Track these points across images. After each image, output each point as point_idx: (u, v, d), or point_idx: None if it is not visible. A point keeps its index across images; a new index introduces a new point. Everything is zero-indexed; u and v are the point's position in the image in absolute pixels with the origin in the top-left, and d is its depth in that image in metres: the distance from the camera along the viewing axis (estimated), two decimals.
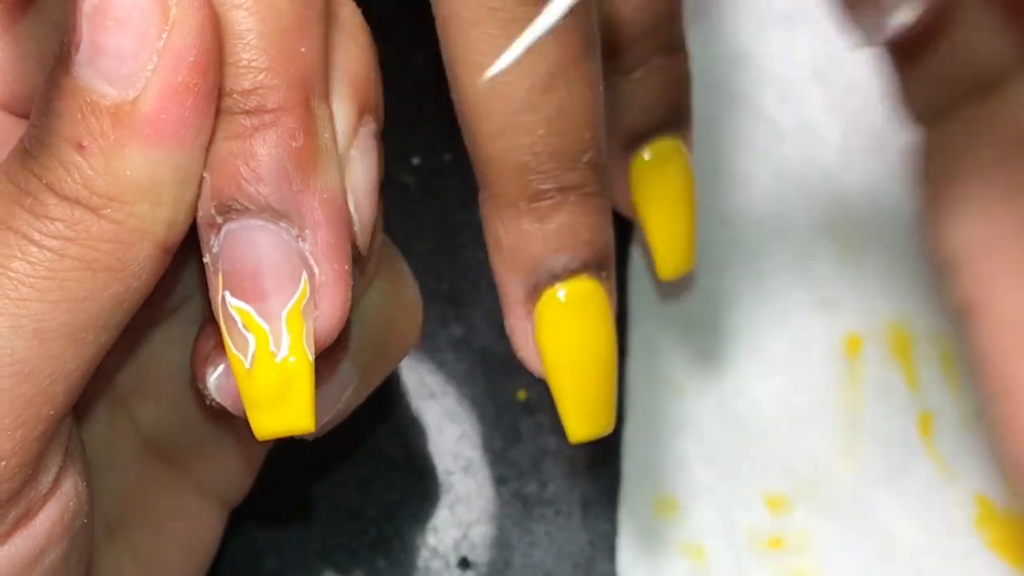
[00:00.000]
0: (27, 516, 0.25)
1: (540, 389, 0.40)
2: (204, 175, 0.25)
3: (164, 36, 0.23)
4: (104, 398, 0.33)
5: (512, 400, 0.40)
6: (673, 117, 0.36)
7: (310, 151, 0.25)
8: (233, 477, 0.34)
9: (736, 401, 0.40)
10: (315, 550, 0.39)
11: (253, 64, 0.24)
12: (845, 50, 0.43)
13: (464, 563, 0.39)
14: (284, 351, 0.25)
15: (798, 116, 0.43)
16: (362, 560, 0.39)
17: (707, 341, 0.41)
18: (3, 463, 0.24)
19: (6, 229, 0.24)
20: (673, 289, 0.41)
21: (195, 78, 0.24)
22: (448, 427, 0.40)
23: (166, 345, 0.33)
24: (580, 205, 0.31)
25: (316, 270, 0.25)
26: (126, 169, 0.24)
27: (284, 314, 0.25)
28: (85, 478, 0.27)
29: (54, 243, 0.24)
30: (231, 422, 0.33)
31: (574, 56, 0.30)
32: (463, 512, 0.39)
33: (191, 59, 0.23)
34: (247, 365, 0.25)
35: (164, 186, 0.24)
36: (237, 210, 0.25)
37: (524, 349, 0.32)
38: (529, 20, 0.28)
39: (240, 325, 0.25)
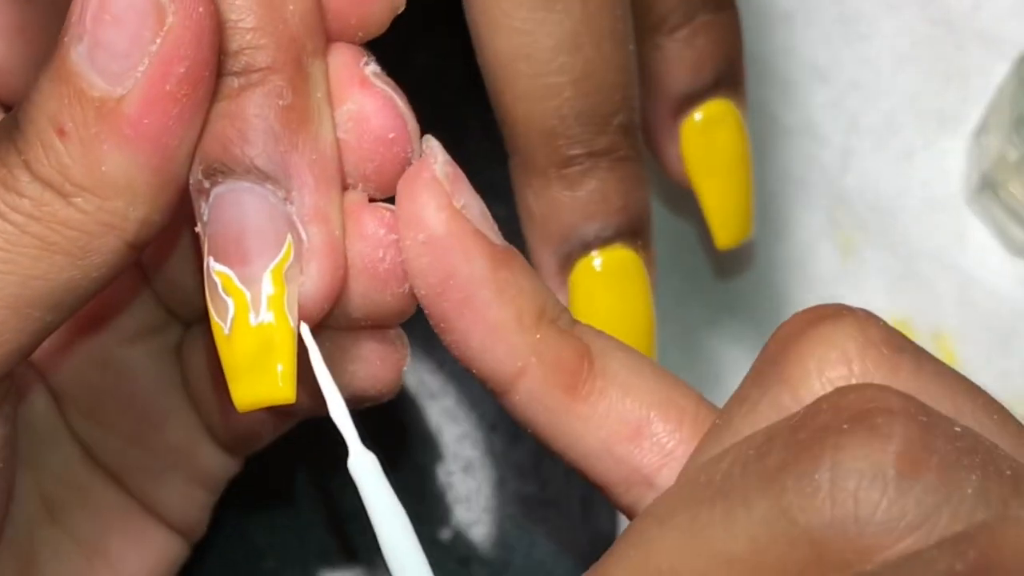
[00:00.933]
0: None
1: None
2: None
3: (158, 41, 0.23)
4: (48, 385, 0.32)
5: None
6: (724, 77, 0.34)
7: (299, 110, 0.25)
8: (186, 505, 0.34)
9: None
10: (314, 551, 0.38)
11: (240, 24, 0.24)
12: (846, 49, 0.43)
13: (464, 563, 0.39)
14: (263, 315, 0.24)
15: (799, 115, 0.43)
16: (361, 561, 0.39)
17: (707, 341, 0.41)
18: None
19: None
20: (675, 288, 0.41)
21: (184, 88, 0.23)
22: (448, 427, 0.40)
23: (121, 372, 0.33)
24: (611, 170, 0.30)
25: (303, 234, 0.25)
26: (102, 164, 0.24)
27: (265, 276, 0.24)
28: (9, 442, 0.27)
29: (17, 218, 0.24)
30: (186, 450, 0.33)
31: (600, 11, 0.29)
32: (463, 512, 0.39)
33: (182, 70, 0.23)
34: (226, 331, 0.24)
35: (140, 187, 0.24)
36: (223, 172, 0.24)
37: None
38: None
39: (220, 289, 0.24)
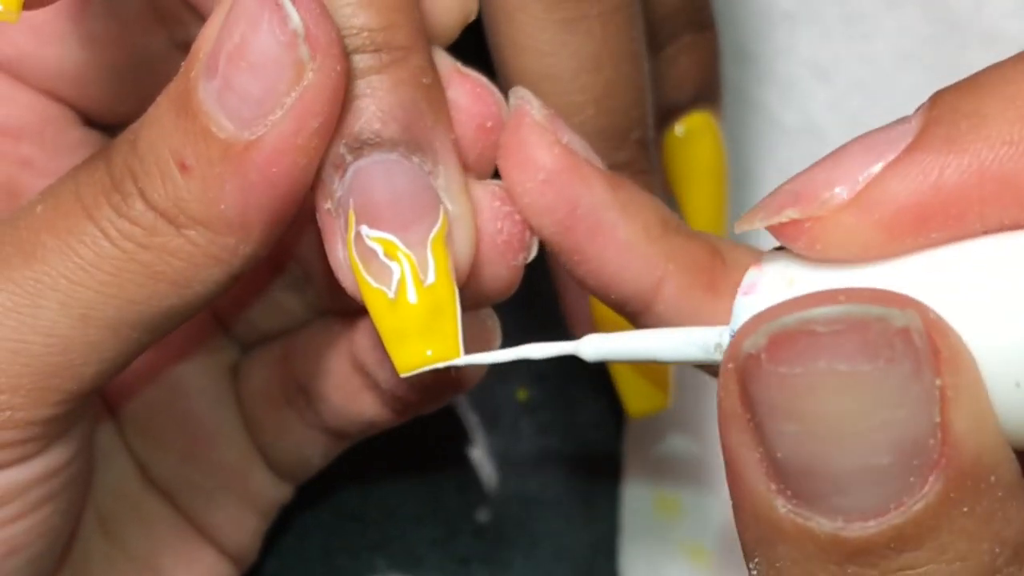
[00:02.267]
0: (18, 459, 0.26)
1: (540, 388, 0.40)
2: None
3: (294, 94, 0.23)
4: (107, 400, 0.33)
5: (512, 400, 0.40)
6: (704, 92, 0.36)
7: (437, 91, 0.25)
8: (236, 528, 0.34)
9: None
10: (316, 552, 0.38)
11: (384, 4, 0.24)
12: (847, 48, 0.43)
13: (465, 563, 0.39)
14: (431, 277, 0.25)
15: (800, 115, 0.43)
16: (363, 561, 0.39)
17: None
18: (8, 413, 0.25)
19: (86, 216, 0.24)
20: None
21: (314, 141, 0.24)
22: (448, 428, 0.40)
23: (177, 390, 0.33)
24: None
25: (449, 206, 0.25)
26: (221, 202, 0.24)
27: (429, 241, 0.25)
28: (81, 453, 0.28)
29: (128, 245, 0.24)
30: (238, 471, 0.34)
31: (618, 34, 0.31)
32: (463, 512, 0.39)
33: (316, 124, 0.24)
34: (391, 295, 0.25)
35: (255, 226, 0.24)
36: (371, 144, 0.25)
37: (581, 330, 0.32)
38: (575, 0, 0.30)
39: (382, 255, 0.25)
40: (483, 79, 0.27)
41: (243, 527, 0.34)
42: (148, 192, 0.24)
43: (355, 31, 0.24)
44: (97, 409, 0.32)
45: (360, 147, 0.25)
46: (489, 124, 0.27)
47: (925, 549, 0.20)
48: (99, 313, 0.24)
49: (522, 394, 0.40)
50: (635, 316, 0.26)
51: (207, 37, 0.24)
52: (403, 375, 0.25)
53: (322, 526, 0.39)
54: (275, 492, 0.35)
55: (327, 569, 0.38)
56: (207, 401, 0.33)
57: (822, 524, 0.20)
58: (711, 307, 0.26)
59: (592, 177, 0.26)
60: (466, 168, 0.26)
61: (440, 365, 0.25)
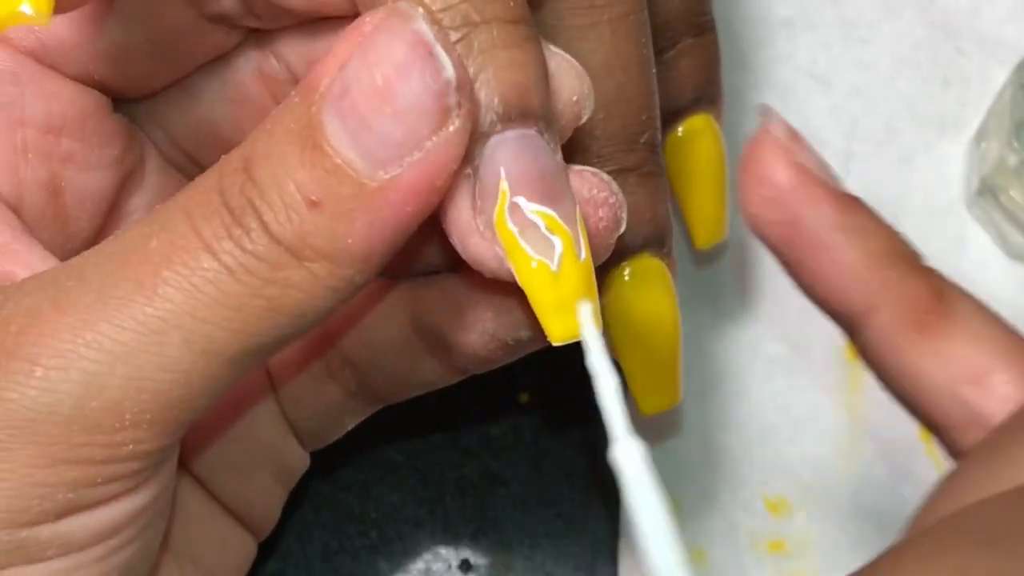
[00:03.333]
0: (136, 488, 0.26)
1: (540, 390, 0.40)
2: (476, 87, 0.25)
3: (435, 139, 0.23)
4: None
5: (513, 401, 0.40)
6: (704, 94, 0.37)
7: (547, 70, 0.26)
8: (267, 502, 0.35)
9: (737, 404, 0.40)
10: (316, 552, 0.38)
11: None
12: (845, 54, 0.43)
13: (465, 565, 0.39)
14: (584, 252, 0.25)
15: (798, 120, 0.43)
16: (363, 562, 0.39)
17: (708, 343, 0.41)
18: (131, 447, 0.25)
19: (207, 251, 0.24)
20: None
21: (446, 182, 0.24)
22: (447, 429, 0.40)
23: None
24: (640, 185, 0.32)
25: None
26: (348, 237, 0.24)
27: (577, 217, 0.25)
28: (175, 470, 0.28)
29: (252, 281, 0.24)
30: (273, 445, 0.34)
31: (628, 40, 0.31)
32: (464, 514, 0.39)
33: (452, 167, 0.24)
34: (554, 267, 0.25)
35: (375, 259, 0.24)
36: (522, 117, 0.25)
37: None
38: (587, 8, 0.31)
39: (545, 229, 0.25)
40: (562, 52, 0.27)
41: (272, 500, 0.35)
42: (272, 226, 0.24)
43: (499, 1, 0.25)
44: None
45: (510, 120, 0.25)
46: (575, 98, 0.27)
47: None
48: (221, 348, 0.24)
49: (523, 396, 0.40)
50: (847, 333, 0.27)
51: (329, 70, 0.23)
52: (556, 343, 0.26)
53: (323, 527, 0.39)
54: (302, 462, 0.35)
55: (327, 570, 0.38)
56: (243, 381, 0.33)
57: None
58: (917, 348, 0.26)
59: (821, 198, 0.26)
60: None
61: (586, 336, 0.25)
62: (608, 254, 0.28)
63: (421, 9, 0.23)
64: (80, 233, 0.31)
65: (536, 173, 0.25)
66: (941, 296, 0.26)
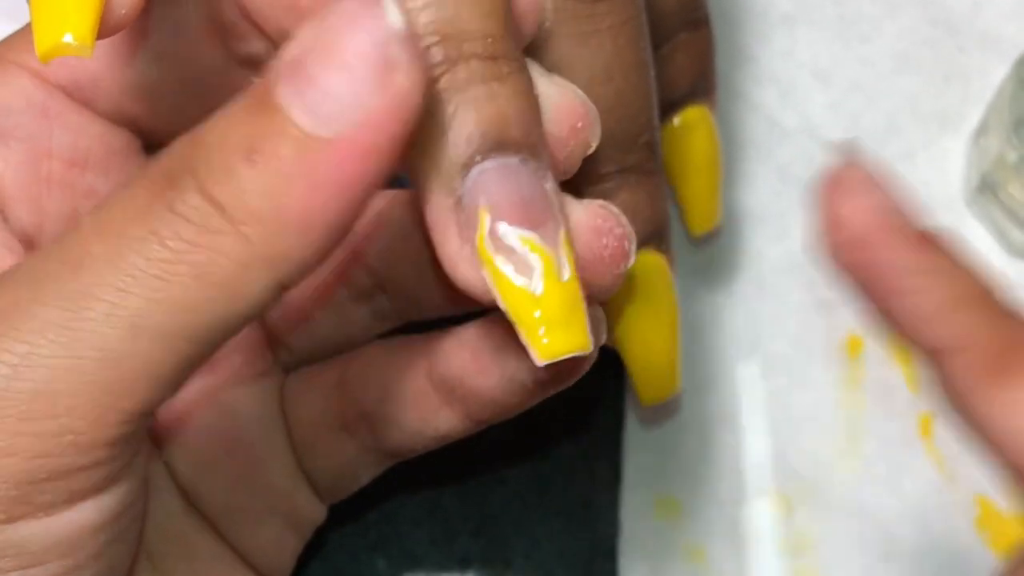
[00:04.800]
0: (90, 491, 0.25)
1: None
2: (451, 115, 0.25)
3: (378, 96, 0.23)
4: (155, 428, 0.33)
5: None
6: (699, 87, 0.38)
7: (536, 100, 0.26)
8: (279, 552, 0.34)
9: (737, 401, 0.40)
10: (315, 552, 0.38)
11: (501, 12, 0.25)
12: (846, 50, 0.43)
13: (465, 564, 0.39)
14: (568, 273, 0.25)
15: (799, 116, 0.43)
16: (362, 562, 0.39)
17: (708, 341, 0.41)
18: (71, 437, 0.24)
19: (137, 219, 0.23)
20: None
21: (391, 145, 0.23)
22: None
23: (227, 413, 0.33)
24: (639, 184, 0.33)
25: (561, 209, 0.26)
26: (284, 198, 0.23)
27: (560, 239, 0.25)
28: (143, 486, 0.28)
29: (179, 244, 0.23)
30: (285, 494, 0.34)
31: (628, 46, 0.32)
32: (463, 513, 0.39)
33: (395, 129, 0.23)
34: (535, 289, 0.25)
35: (315, 229, 0.23)
36: (500, 147, 0.25)
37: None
38: (588, 16, 0.31)
39: (523, 251, 0.25)
40: (569, 84, 0.27)
41: (284, 549, 0.34)
42: (207, 184, 0.23)
43: (479, 34, 0.25)
44: (149, 444, 0.32)
45: (489, 151, 0.25)
46: (579, 124, 0.27)
47: None
48: (148, 322, 0.23)
49: None
50: (927, 363, 0.27)
51: (294, 43, 0.23)
52: (543, 362, 0.26)
53: (321, 526, 0.39)
54: (317, 513, 0.35)
55: (327, 569, 0.38)
56: (258, 425, 0.33)
57: None
58: (989, 391, 0.26)
59: (899, 241, 0.26)
60: (558, 165, 0.27)
61: (575, 354, 0.26)
62: (618, 285, 0.28)
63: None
64: None
65: (516, 197, 0.25)
66: (1020, 342, 0.26)
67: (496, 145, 0.25)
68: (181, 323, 0.24)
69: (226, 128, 0.23)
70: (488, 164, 0.25)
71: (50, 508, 0.25)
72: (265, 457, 0.33)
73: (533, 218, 0.25)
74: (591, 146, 0.28)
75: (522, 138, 0.25)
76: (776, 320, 0.41)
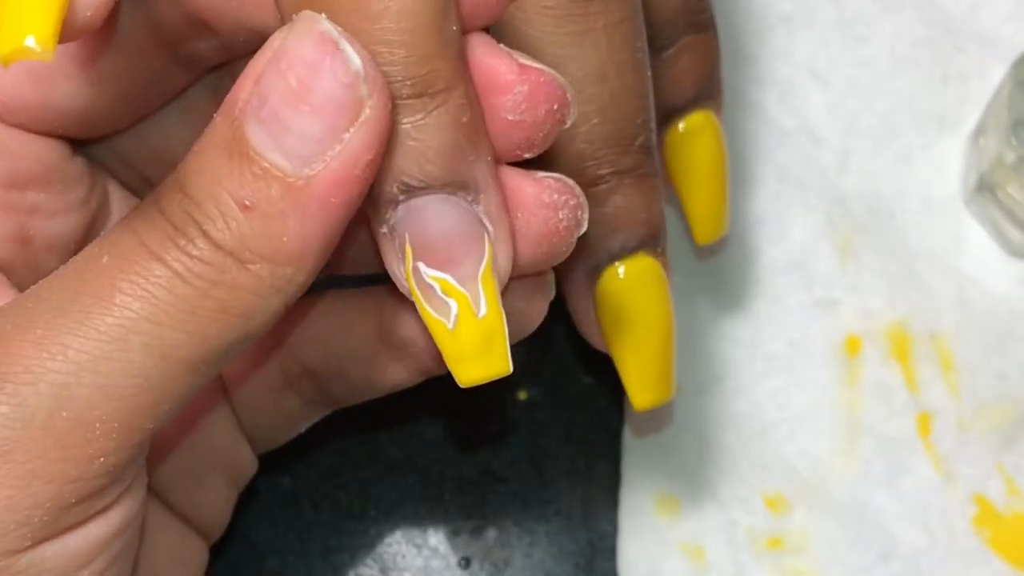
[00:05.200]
0: (107, 507, 0.27)
1: (540, 389, 0.40)
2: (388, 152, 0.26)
3: (351, 131, 0.24)
4: None
5: (512, 400, 0.40)
6: (704, 92, 0.37)
7: (475, 121, 0.26)
8: (220, 507, 0.35)
9: (736, 401, 0.40)
10: (315, 551, 0.39)
11: (419, 52, 0.25)
12: (844, 51, 0.43)
13: (465, 563, 0.39)
14: (483, 310, 0.27)
15: (798, 117, 0.43)
16: (363, 561, 0.39)
17: (707, 340, 0.41)
18: (102, 459, 0.25)
19: (156, 260, 0.25)
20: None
21: (367, 172, 0.25)
22: (447, 427, 0.40)
23: None
24: (635, 187, 0.32)
25: (491, 228, 0.27)
26: (283, 235, 0.25)
27: (479, 276, 0.26)
28: (146, 493, 0.29)
29: (201, 283, 0.25)
30: (227, 451, 0.35)
31: (623, 46, 0.32)
32: (463, 512, 0.39)
33: (370, 157, 0.25)
34: (450, 326, 0.27)
35: (310, 255, 0.25)
36: (422, 188, 0.26)
37: (586, 325, 0.34)
38: (582, 15, 0.31)
39: (439, 292, 0.26)
40: (545, 68, 0.28)
41: (224, 505, 0.35)
42: (212, 233, 0.25)
43: (398, 76, 0.25)
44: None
45: (410, 190, 0.26)
46: (556, 106, 0.28)
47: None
48: (178, 351, 0.25)
49: (522, 394, 0.40)
50: None
51: (244, 85, 0.24)
52: (464, 387, 0.27)
53: (322, 526, 0.39)
54: (252, 465, 0.36)
55: (327, 569, 0.38)
56: (201, 390, 0.34)
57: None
58: None
59: None
60: (531, 148, 0.28)
61: (494, 379, 0.27)
62: (569, 252, 0.29)
63: (324, 13, 0.24)
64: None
65: (435, 238, 0.26)
66: None
67: (419, 182, 0.26)
68: (206, 350, 0.25)
69: (212, 179, 0.25)
70: (413, 201, 0.26)
71: (71, 529, 0.26)
72: (207, 421, 0.34)
73: (451, 257, 0.26)
74: (566, 124, 0.28)
75: (446, 175, 0.26)
76: (775, 320, 0.41)
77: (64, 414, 0.25)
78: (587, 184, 0.32)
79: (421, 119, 0.25)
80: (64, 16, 0.23)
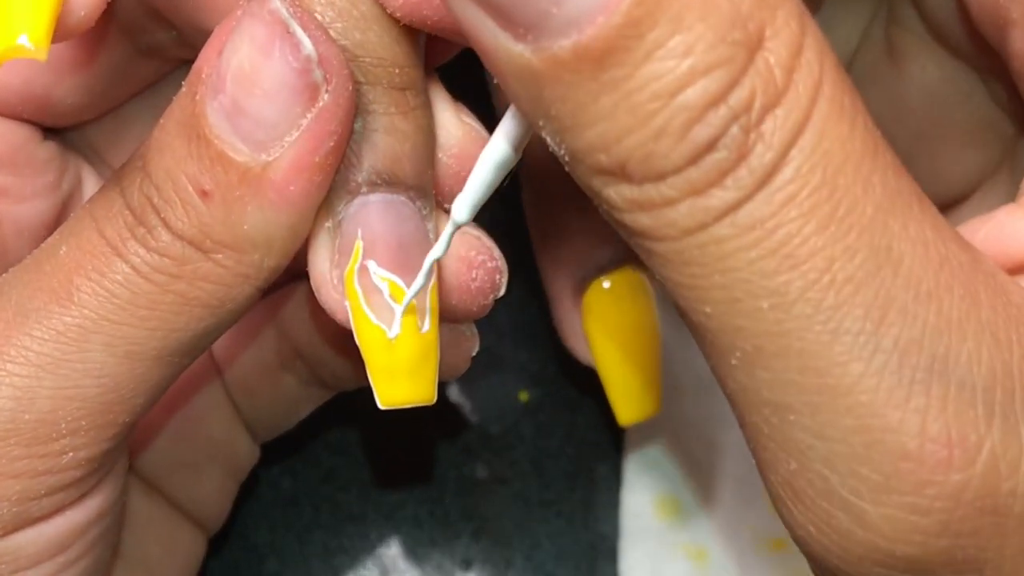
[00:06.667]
0: (82, 496, 0.27)
1: (541, 390, 0.40)
2: (352, 144, 0.25)
3: (309, 116, 0.24)
4: None
5: (513, 401, 0.40)
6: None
7: (433, 136, 0.26)
8: (218, 498, 0.35)
9: None
10: (316, 552, 0.39)
11: (410, 42, 0.25)
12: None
13: (466, 565, 0.39)
14: (427, 326, 0.26)
15: None
16: (363, 562, 0.39)
17: None
18: (71, 454, 0.25)
19: (114, 254, 0.25)
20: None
21: (329, 158, 0.24)
22: (449, 428, 0.40)
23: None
24: None
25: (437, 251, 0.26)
26: (244, 223, 0.24)
27: (428, 289, 0.25)
28: (125, 482, 0.29)
29: (160, 278, 0.24)
30: (225, 442, 0.35)
31: None
32: (464, 513, 0.39)
33: (331, 143, 0.24)
34: (391, 335, 0.25)
35: (276, 241, 0.25)
36: (388, 184, 0.25)
37: (572, 339, 0.33)
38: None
39: (387, 295, 0.25)
40: (476, 122, 0.27)
41: (223, 496, 0.35)
42: (172, 222, 0.24)
43: (386, 64, 0.25)
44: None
45: (378, 184, 0.25)
46: (456, 151, 0.27)
47: (663, 23, 0.19)
48: (143, 347, 0.25)
49: (523, 395, 0.40)
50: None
51: (209, 58, 0.24)
52: (384, 408, 0.26)
53: (322, 527, 0.39)
54: (252, 455, 0.36)
55: (327, 569, 0.38)
56: (196, 380, 0.34)
57: (562, 46, 0.19)
58: None
59: None
60: (442, 191, 0.27)
61: (416, 405, 0.26)
62: (482, 314, 0.28)
63: None
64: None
65: (393, 239, 0.25)
66: None
67: (386, 181, 0.25)
68: (173, 343, 0.25)
69: (172, 161, 0.24)
70: (374, 198, 0.25)
71: (45, 517, 0.26)
72: (204, 410, 0.34)
73: (406, 263, 0.25)
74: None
75: (413, 178, 0.25)
76: None
77: (27, 417, 0.25)
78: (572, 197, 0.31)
79: (402, 115, 0.25)
80: (58, 16, 0.23)
